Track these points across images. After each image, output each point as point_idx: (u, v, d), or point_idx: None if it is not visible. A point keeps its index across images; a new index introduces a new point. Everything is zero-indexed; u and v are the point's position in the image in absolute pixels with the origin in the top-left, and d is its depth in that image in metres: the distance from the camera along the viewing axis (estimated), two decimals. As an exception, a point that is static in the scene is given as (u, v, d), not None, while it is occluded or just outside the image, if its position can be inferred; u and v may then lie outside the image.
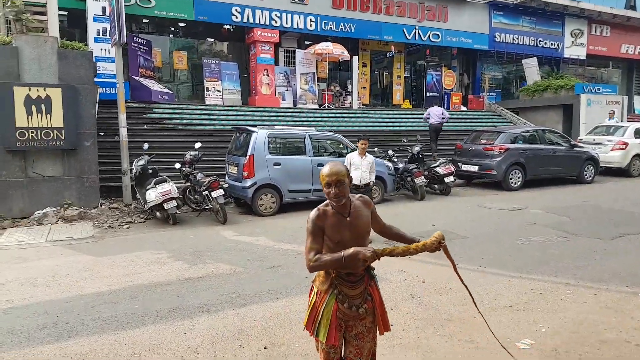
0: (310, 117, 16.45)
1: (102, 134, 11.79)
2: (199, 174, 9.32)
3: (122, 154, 10.23)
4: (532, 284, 5.54)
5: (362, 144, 7.67)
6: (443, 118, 14.88)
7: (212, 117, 14.81)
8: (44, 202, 9.40)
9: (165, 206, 8.48)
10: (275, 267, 6.28)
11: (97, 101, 11.71)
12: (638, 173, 15.00)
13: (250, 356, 3.89)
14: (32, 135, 9.09)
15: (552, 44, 22.66)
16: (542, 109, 20.14)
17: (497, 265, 6.23)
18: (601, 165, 14.33)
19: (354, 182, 7.18)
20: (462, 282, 2.96)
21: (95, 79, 10.59)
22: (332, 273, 2.62)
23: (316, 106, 17.71)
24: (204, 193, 8.89)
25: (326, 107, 17.72)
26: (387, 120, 17.67)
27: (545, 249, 6.99)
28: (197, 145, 9.89)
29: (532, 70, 21.78)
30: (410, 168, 11.55)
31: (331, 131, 14.35)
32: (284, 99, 17.33)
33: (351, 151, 11.16)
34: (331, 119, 16.69)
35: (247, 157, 9.44)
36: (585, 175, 13.78)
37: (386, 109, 19.77)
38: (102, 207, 9.83)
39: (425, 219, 9.16)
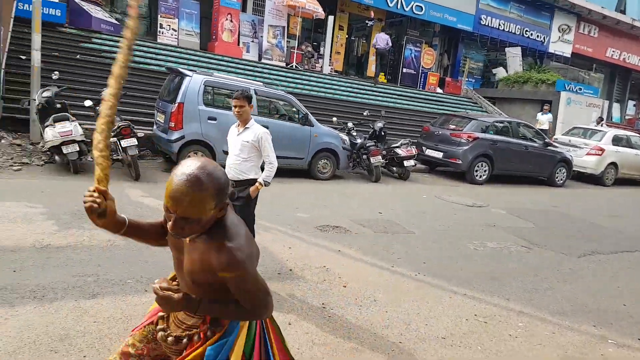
0: (274, 75, 14.92)
1: (23, 57, 10.07)
2: (116, 117, 7.78)
3: (31, 81, 8.58)
4: (477, 306, 4.44)
5: (234, 105, 4.13)
6: (387, 44, 16.64)
7: (159, 57, 13.09)
8: None
9: (64, 150, 6.99)
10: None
11: (12, 17, 9.98)
12: (611, 182, 14.19)
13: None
14: None
15: (538, 36, 21.56)
16: (519, 102, 19.16)
17: (440, 274, 5.11)
18: (573, 169, 13.45)
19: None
20: None
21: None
22: None
23: (283, 64, 16.14)
24: (112, 140, 7.42)
25: (294, 66, 16.18)
26: (358, 91, 16.29)
27: (501, 260, 5.93)
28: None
29: (514, 60, 20.70)
30: (367, 145, 10.31)
31: (296, 94, 12.99)
32: (247, 51, 15.66)
33: (279, 117, 9.61)
34: (297, 81, 15.21)
35: (176, 104, 7.97)
36: (557, 177, 12.86)
37: (359, 79, 18.36)
38: (2, 141, 8.23)
39: (374, 205, 7.99)
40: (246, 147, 4.15)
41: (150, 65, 12.58)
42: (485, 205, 9.13)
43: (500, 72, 21.00)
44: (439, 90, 19.73)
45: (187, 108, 8.00)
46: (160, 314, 1.82)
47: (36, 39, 8.59)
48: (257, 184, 4.17)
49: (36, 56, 8.59)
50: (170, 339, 1.74)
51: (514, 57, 20.77)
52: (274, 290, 4.20)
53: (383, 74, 18.90)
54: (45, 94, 7.70)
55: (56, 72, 8.38)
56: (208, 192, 1.43)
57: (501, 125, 12.58)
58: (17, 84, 9.47)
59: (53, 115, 7.14)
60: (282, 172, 9.33)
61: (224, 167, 1.89)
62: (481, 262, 5.74)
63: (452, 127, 12.17)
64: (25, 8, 10.40)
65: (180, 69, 8.65)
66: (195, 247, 1.58)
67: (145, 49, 13.18)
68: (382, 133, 11.18)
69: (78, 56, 11.56)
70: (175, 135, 7.97)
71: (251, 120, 4.20)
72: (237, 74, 13.62)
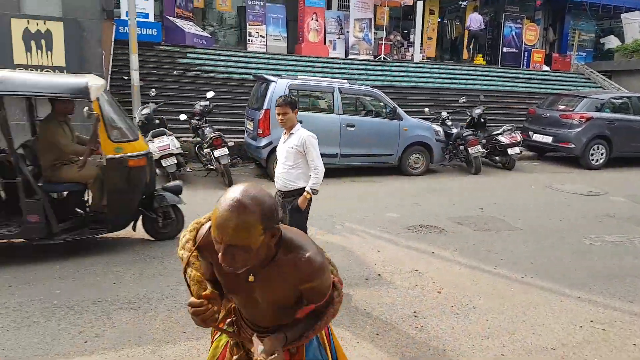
0: (362, 69, 14.80)
1: (125, 78, 10.99)
2: (208, 128, 8.19)
3: (133, 100, 9.35)
4: (593, 311, 3.96)
5: (277, 113, 4.00)
6: (481, 25, 16.08)
7: (249, 65, 13.56)
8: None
9: (163, 163, 7.48)
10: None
11: (113, 40, 10.90)
12: None
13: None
14: (31, 75, 8.33)
15: (661, -4, 19.01)
16: (641, 74, 17.04)
17: (550, 276, 4.64)
18: None
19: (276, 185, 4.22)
20: None
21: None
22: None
23: (371, 57, 15.94)
24: (205, 151, 7.79)
25: (382, 58, 15.89)
26: (454, 77, 15.57)
27: (622, 256, 5.25)
28: (210, 94, 8.73)
29: (632, 26, 18.42)
30: (464, 134, 9.77)
31: (385, 87, 12.77)
32: (334, 48, 15.70)
33: (366, 113, 9.51)
34: (386, 73, 14.94)
35: (263, 111, 8.17)
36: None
37: (454, 64, 17.54)
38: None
39: (474, 200, 7.54)
40: (291, 154, 3.99)
41: (241, 74, 13.09)
42: (603, 193, 8.20)
43: (610, 41, 18.86)
44: (545, 68, 18.20)
45: (273, 114, 8.13)
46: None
47: (134, 59, 9.33)
48: (305, 193, 3.98)
49: (135, 76, 9.34)
50: None
51: (631, 23, 18.49)
52: (361, 297, 4.09)
53: (481, 55, 17.90)
54: (144, 111, 8.31)
55: (153, 90, 9.00)
56: (253, 216, 1.36)
57: (619, 101, 11.24)
58: (121, 103, 10.31)
59: (152, 131, 7.68)
60: (371, 170, 9.22)
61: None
62: (599, 260, 5.13)
63: (562, 107, 11.13)
64: (124, 31, 11.34)
65: (266, 76, 8.85)
66: (268, 276, 1.54)
67: (235, 59, 13.75)
68: (482, 120, 10.53)
69: (175, 72, 12.37)
70: (263, 142, 8.17)
71: (297, 126, 4.03)
72: (324, 73, 13.71)
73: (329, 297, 1.64)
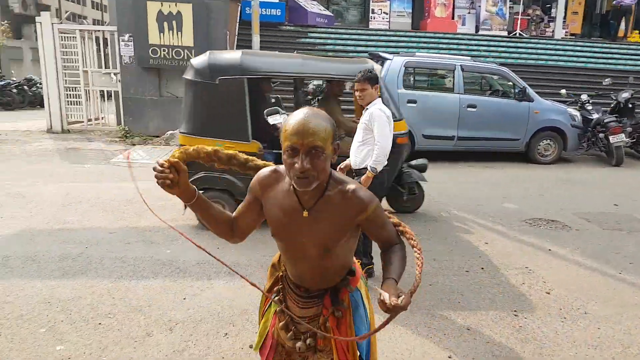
0: (493, 46, 13.92)
1: (277, 52, 11.52)
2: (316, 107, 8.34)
3: (253, 78, 9.83)
4: None
5: (355, 90, 4.00)
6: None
7: (369, 43, 13.48)
8: (176, 123, 9.61)
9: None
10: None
11: (239, 21, 11.52)
12: None
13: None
14: (164, 53, 9.20)
15: None
16: None
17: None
18: None
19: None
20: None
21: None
22: (279, 267, 1.85)
23: (504, 33, 14.91)
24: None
25: (517, 34, 14.78)
26: (600, 56, 13.97)
27: None
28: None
29: None
30: (606, 121, 8.74)
31: (519, 65, 11.92)
32: (463, 24, 14.98)
33: (492, 93, 8.85)
34: (521, 50, 13.88)
35: (376, 90, 8.09)
36: None
37: (602, 41, 15.69)
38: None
39: (609, 194, 6.76)
40: (361, 129, 3.91)
41: (360, 52, 13.08)
42: None
43: None
44: None
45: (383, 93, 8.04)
46: (279, 326, 1.82)
47: (255, 39, 9.81)
48: (367, 172, 3.81)
49: (256, 55, 9.81)
50: (309, 340, 1.74)
51: None
52: (457, 289, 3.92)
53: (638, 32, 15.78)
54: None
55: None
56: (327, 120, 1.50)
57: None
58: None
59: (266, 110, 8.03)
60: (492, 156, 8.70)
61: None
62: None
63: None
64: (250, 11, 11.96)
65: (381, 53, 8.74)
66: (320, 211, 1.59)
67: (355, 37, 13.78)
68: (629, 105, 9.33)
69: (295, 52, 12.77)
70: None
71: (375, 101, 3.88)
72: (450, 50, 13.15)
73: (397, 236, 1.70)
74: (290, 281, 1.79)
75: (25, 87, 14.80)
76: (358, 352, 1.76)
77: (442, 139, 8.30)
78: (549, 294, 3.89)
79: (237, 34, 11.43)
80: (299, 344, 1.74)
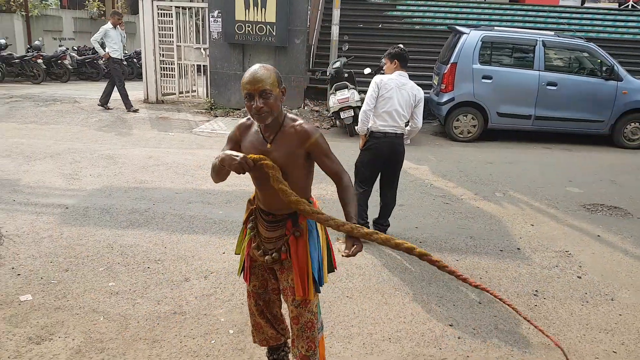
0: (599, 20, 12.92)
1: (360, 25, 11.72)
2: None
3: (330, 54, 10.12)
4: None
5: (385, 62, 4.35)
6: None
7: (460, 16, 13.14)
8: (256, 97, 10.23)
9: (341, 115, 8.10)
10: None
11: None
12: None
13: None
14: (248, 29, 9.75)
15: None
16: None
17: None
18: None
19: (379, 127, 4.18)
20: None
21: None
22: (253, 202, 2.32)
23: (614, 5, 13.74)
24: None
25: (630, 6, 13.54)
26: None
27: None
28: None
29: None
30: None
31: (629, 41, 11.05)
32: (567, -4, 14.01)
33: (576, 71, 8.12)
34: (631, 24, 12.74)
35: (449, 65, 8.02)
36: None
37: None
38: (305, 108, 10.12)
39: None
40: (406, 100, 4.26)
41: (427, 25, 12.75)
42: None
43: None
44: None
45: (460, 68, 7.95)
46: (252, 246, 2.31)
47: (335, 14, 10.03)
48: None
49: (334, 30, 10.06)
50: (275, 254, 2.20)
51: None
52: (483, 267, 4.01)
53: None
54: (335, 65, 8.98)
55: (346, 44, 9.59)
56: (272, 69, 1.99)
57: None
58: (324, 57, 11.29)
59: (335, 84, 8.32)
60: (571, 138, 8.30)
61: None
62: None
63: None
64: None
65: (458, 27, 8.58)
66: (279, 143, 2.06)
67: (446, 9, 13.46)
68: None
69: (380, 25, 12.81)
70: (444, 98, 8.08)
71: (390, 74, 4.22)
72: (548, 25, 12.45)
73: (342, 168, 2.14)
74: (261, 210, 2.23)
75: (135, 59, 16.29)
76: (312, 270, 2.17)
77: (518, 118, 8.05)
78: (580, 278, 3.86)
79: (320, 9, 11.71)
80: (267, 257, 2.21)
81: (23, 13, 17.03)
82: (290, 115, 2.12)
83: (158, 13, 10.55)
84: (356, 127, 4.43)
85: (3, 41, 13.99)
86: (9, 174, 5.79)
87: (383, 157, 4.23)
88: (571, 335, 3.11)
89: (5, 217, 4.56)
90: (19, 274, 3.57)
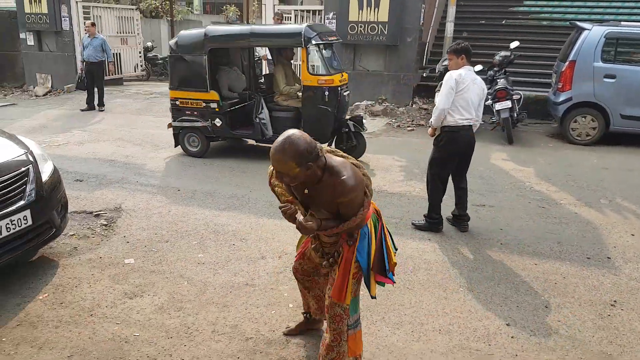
0: None
1: (465, 34, 11.42)
2: (503, 79, 8.14)
3: (443, 51, 10.03)
4: None
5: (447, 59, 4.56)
6: None
7: (595, 11, 12.13)
8: (364, 95, 10.51)
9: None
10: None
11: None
12: None
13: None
14: (360, 29, 10.07)
15: None
16: None
17: None
18: None
19: (458, 121, 4.25)
20: None
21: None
22: None
23: None
24: (486, 103, 7.86)
25: None
26: None
27: None
28: (514, 44, 8.50)
29: None
30: None
31: None
32: None
33: None
34: None
35: (567, 63, 7.56)
36: None
37: None
38: (413, 106, 10.17)
39: None
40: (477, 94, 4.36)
41: (579, 22, 11.86)
42: None
43: None
44: None
45: (579, 66, 7.46)
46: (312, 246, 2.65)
47: (451, 11, 9.94)
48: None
49: (449, 27, 9.97)
50: (331, 259, 2.51)
51: None
52: (563, 272, 3.88)
53: None
54: (445, 62, 8.91)
55: (465, 35, 9.41)
56: (288, 156, 2.06)
57: None
58: (439, 55, 11.18)
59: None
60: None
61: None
62: None
63: None
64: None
65: (579, 23, 8.02)
66: (317, 191, 2.26)
67: (579, 3, 12.54)
68: None
69: (504, 21, 12.32)
70: (561, 97, 7.63)
71: (459, 69, 4.28)
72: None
73: (357, 212, 2.28)
74: None
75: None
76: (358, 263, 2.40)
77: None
78: (671, 294, 3.56)
79: (436, 6, 11.63)
80: (324, 262, 2.54)
81: (169, 18, 19.22)
82: (332, 165, 2.19)
83: (279, 17, 11.32)
84: (431, 121, 4.47)
85: (150, 44, 15.97)
86: (137, 159, 6.78)
87: (460, 150, 4.40)
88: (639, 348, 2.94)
89: (127, 195, 5.40)
90: (128, 242, 4.28)
